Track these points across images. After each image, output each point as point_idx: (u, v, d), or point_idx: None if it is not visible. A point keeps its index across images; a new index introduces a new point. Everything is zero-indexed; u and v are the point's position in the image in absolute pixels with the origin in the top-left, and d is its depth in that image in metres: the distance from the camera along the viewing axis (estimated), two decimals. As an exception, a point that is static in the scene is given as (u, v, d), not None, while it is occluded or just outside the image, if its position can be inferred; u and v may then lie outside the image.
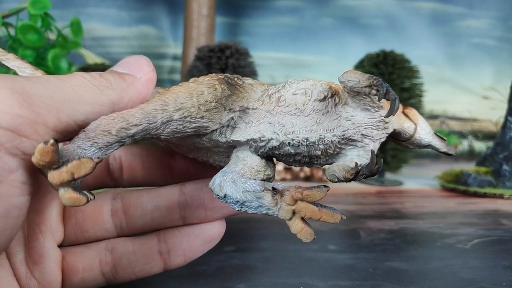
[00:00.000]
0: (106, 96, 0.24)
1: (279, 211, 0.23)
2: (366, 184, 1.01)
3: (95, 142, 0.23)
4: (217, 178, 0.25)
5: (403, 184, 1.05)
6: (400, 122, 0.30)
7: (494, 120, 1.43)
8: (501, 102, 1.41)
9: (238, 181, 0.24)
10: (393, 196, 0.89)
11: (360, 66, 1.12)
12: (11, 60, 0.31)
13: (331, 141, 0.27)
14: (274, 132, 0.27)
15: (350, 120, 0.27)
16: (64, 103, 0.22)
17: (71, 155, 0.22)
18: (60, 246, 0.28)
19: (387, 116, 0.24)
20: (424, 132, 0.31)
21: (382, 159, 0.25)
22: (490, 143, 1.05)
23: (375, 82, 0.24)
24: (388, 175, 1.07)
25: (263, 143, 0.27)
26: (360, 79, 0.25)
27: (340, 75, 0.26)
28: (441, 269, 0.43)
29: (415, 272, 0.42)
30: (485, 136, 1.49)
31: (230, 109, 0.27)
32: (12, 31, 0.92)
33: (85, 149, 0.22)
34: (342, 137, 0.27)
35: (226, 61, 0.98)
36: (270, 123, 0.27)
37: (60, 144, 0.23)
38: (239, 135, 0.27)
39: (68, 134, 0.23)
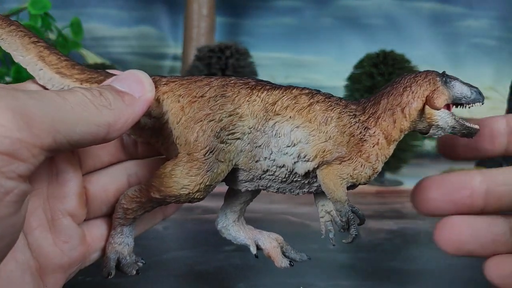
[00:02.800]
0: (104, 116, 0.24)
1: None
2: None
3: (123, 225, 0.30)
4: (219, 223, 0.32)
5: (403, 184, 1.05)
6: (413, 124, 0.29)
7: (494, 120, 1.43)
8: (501, 102, 1.41)
9: (233, 233, 0.32)
10: (393, 196, 0.89)
11: (360, 66, 1.12)
12: (11, 43, 0.30)
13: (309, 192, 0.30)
14: (259, 188, 0.30)
15: None
16: (62, 124, 0.22)
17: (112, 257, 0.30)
18: (88, 220, 0.31)
19: (345, 243, 0.27)
20: (438, 132, 0.29)
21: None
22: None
23: (339, 214, 0.27)
24: (388, 175, 1.07)
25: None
26: (331, 195, 0.27)
27: (319, 175, 0.27)
28: (441, 269, 0.43)
29: (415, 272, 0.42)
30: (485, 136, 1.48)
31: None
32: (12, 31, 0.91)
33: (121, 242, 0.30)
34: (320, 191, 0.29)
35: (226, 61, 0.98)
36: (256, 183, 0.30)
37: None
38: (230, 184, 0.30)
39: (58, 152, 0.23)
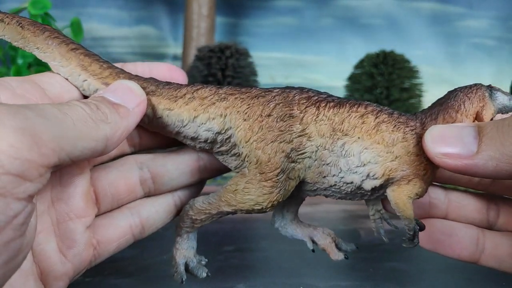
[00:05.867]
0: (102, 131, 0.25)
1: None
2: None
3: (190, 232, 0.31)
4: (277, 222, 0.34)
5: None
6: None
7: (494, 120, 1.43)
8: (501, 102, 1.41)
9: (290, 231, 0.33)
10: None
11: (360, 66, 1.12)
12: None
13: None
14: (317, 195, 0.31)
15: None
16: (66, 141, 0.22)
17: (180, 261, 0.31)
18: (96, 219, 0.31)
19: (405, 245, 0.29)
20: None
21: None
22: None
23: (407, 227, 0.29)
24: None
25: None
26: (401, 213, 0.28)
27: (390, 196, 0.29)
28: (441, 269, 0.43)
29: (415, 272, 0.42)
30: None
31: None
32: (12, 31, 0.91)
33: (188, 247, 0.32)
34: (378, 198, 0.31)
35: (226, 61, 0.98)
36: (318, 192, 0.31)
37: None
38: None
39: (58, 168, 0.23)
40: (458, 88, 0.30)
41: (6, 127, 0.20)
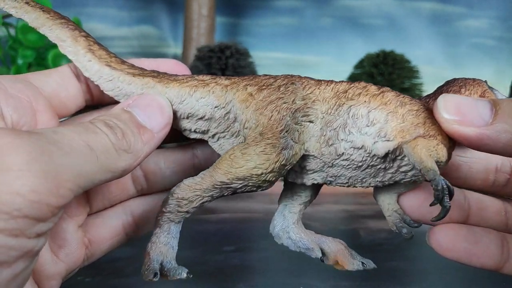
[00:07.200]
0: (122, 162, 0.24)
1: (326, 261, 0.30)
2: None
3: (172, 222, 0.28)
4: (277, 226, 0.31)
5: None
6: None
7: (494, 120, 1.42)
8: (501, 102, 1.41)
9: (293, 236, 0.30)
10: (393, 196, 0.89)
11: (360, 66, 1.12)
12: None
13: (382, 185, 0.29)
14: (327, 180, 0.29)
15: (406, 173, 0.28)
16: (85, 178, 0.22)
17: (156, 259, 0.27)
18: (89, 217, 0.30)
19: (434, 220, 0.25)
20: None
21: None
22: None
23: (433, 184, 0.25)
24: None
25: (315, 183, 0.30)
26: (422, 165, 0.25)
27: (407, 148, 0.26)
28: (442, 268, 0.43)
29: (416, 271, 0.42)
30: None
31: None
32: (12, 31, 0.92)
33: (167, 243, 0.27)
34: (392, 181, 0.29)
35: (226, 61, 0.98)
36: (325, 172, 0.28)
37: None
38: (293, 177, 0.29)
39: None
40: (456, 78, 0.30)
41: (31, 171, 0.19)
